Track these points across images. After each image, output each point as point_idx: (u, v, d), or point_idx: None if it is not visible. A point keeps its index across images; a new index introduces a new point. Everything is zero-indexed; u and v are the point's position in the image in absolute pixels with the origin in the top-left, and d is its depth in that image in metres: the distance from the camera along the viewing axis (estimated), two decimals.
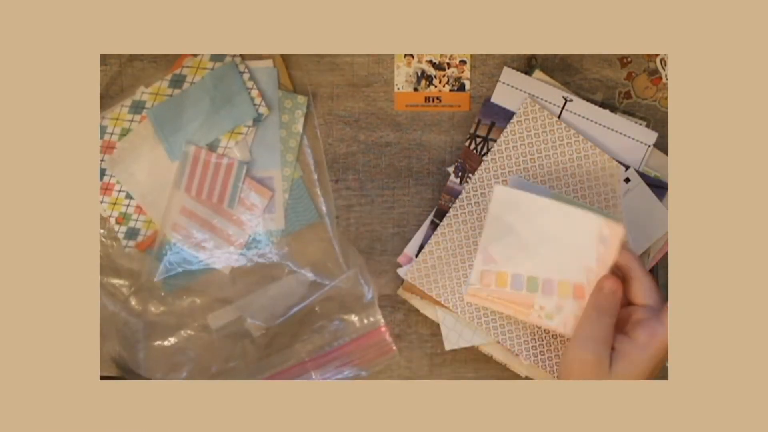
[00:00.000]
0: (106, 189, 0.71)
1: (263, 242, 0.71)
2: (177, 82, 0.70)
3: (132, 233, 0.71)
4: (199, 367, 0.70)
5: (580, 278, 0.62)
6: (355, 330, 0.70)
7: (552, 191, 0.68)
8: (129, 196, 0.71)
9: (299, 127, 0.70)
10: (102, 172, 0.71)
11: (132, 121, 0.70)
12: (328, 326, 0.70)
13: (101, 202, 0.71)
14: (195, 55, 0.70)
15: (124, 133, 0.70)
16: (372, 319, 0.70)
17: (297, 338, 0.70)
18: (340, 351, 0.70)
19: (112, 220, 0.71)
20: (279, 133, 0.70)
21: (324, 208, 0.71)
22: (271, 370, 0.70)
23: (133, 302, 0.71)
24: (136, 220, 0.71)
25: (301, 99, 0.70)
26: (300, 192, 0.71)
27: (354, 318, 0.70)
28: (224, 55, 0.70)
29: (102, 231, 0.71)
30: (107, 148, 0.70)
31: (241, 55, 0.70)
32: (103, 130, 0.70)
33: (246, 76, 0.70)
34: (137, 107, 0.70)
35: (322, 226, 0.71)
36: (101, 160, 0.71)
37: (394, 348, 0.70)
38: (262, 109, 0.70)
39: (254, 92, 0.70)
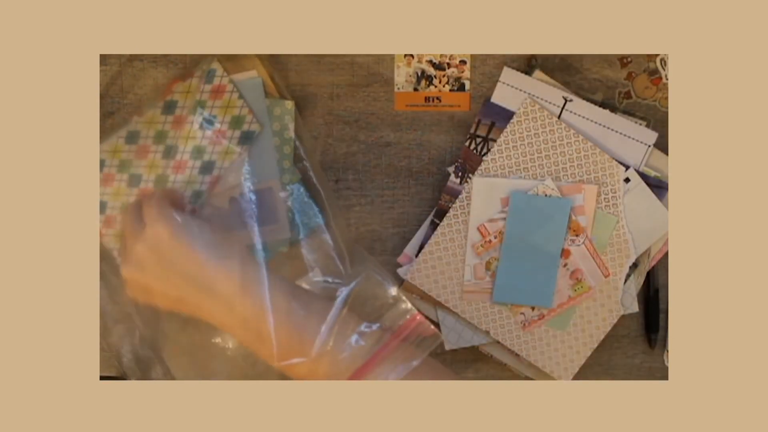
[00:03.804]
0: (107, 221, 0.69)
1: (269, 255, 0.68)
2: (169, 108, 0.70)
3: None
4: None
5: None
6: (391, 326, 0.63)
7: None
8: None
9: (291, 133, 0.70)
10: (104, 205, 0.69)
11: (129, 151, 0.69)
12: (366, 332, 0.63)
13: (105, 235, 0.69)
14: (184, 80, 0.69)
15: (122, 164, 0.69)
16: (404, 307, 0.64)
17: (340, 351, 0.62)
18: (384, 352, 0.66)
19: (115, 253, 0.69)
20: (272, 142, 0.70)
21: (328, 209, 0.70)
22: None
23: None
24: None
25: (289, 105, 0.70)
26: (301, 197, 0.70)
27: (387, 314, 0.64)
28: (212, 56, 0.69)
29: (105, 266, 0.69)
30: (107, 180, 0.69)
31: (224, 55, 0.69)
32: (102, 163, 0.69)
33: (240, 97, 0.69)
34: (132, 138, 0.69)
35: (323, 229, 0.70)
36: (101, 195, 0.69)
37: (433, 329, 0.64)
38: (254, 126, 0.69)
39: (245, 110, 0.69)
